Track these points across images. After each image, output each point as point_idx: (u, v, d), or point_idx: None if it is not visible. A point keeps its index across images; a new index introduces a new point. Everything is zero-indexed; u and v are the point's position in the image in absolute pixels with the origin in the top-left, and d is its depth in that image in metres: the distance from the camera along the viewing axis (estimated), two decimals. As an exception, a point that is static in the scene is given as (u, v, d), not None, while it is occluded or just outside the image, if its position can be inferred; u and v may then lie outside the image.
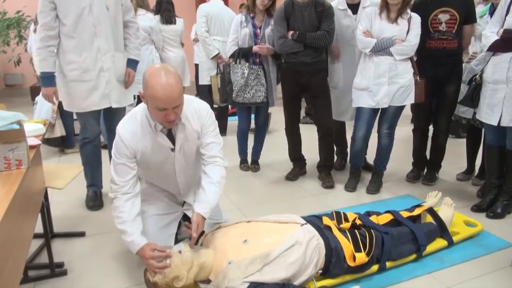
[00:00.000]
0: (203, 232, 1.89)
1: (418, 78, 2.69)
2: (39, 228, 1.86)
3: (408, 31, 2.60)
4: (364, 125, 2.78)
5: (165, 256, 1.64)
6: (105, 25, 2.36)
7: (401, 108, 2.75)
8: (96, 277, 1.94)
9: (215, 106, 4.09)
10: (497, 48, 2.36)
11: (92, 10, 2.30)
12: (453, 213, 2.25)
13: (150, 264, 1.63)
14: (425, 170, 3.12)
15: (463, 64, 2.96)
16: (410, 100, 2.70)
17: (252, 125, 3.39)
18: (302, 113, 3.93)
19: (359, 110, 2.79)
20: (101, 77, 2.41)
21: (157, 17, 4.05)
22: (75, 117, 3.99)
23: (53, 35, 2.30)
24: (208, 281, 1.70)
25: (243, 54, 2.98)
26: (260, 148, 3.38)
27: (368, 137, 2.84)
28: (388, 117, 2.76)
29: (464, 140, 3.16)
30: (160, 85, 1.55)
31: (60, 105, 3.63)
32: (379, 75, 2.65)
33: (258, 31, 2.99)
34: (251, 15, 3.00)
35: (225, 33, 3.92)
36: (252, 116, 3.34)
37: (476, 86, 2.51)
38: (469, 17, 2.71)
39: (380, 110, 2.77)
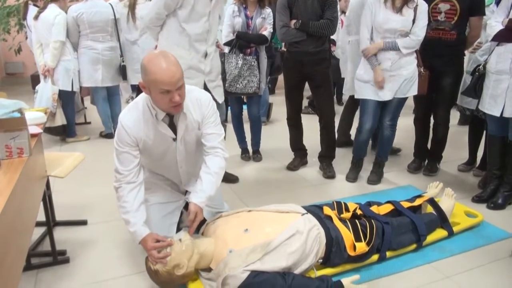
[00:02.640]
0: (204, 221, 1.90)
1: (422, 69, 2.66)
2: (41, 216, 1.87)
3: (414, 21, 2.54)
4: (370, 118, 2.76)
5: (167, 245, 1.65)
6: (214, 32, 2.47)
7: (404, 99, 2.72)
8: (98, 265, 1.95)
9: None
10: (501, 38, 2.33)
11: (210, 17, 2.38)
12: (453, 203, 2.25)
13: (151, 254, 1.64)
14: (426, 161, 3.12)
15: (468, 55, 2.93)
16: (413, 91, 2.67)
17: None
18: (304, 103, 3.91)
19: (364, 102, 2.77)
20: (199, 77, 2.45)
21: None
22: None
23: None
24: (209, 270, 1.71)
25: (239, 45, 2.97)
26: (259, 139, 3.38)
27: (374, 128, 2.83)
28: (390, 109, 2.74)
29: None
30: (161, 67, 1.57)
31: (60, 93, 3.62)
32: (382, 70, 2.62)
33: (250, 21, 2.98)
34: (244, 5, 2.98)
35: (222, 22, 3.87)
36: (244, 107, 3.34)
37: (479, 77, 2.49)
38: (474, 9, 2.63)
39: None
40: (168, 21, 2.35)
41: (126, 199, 1.71)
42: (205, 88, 2.45)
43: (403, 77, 2.61)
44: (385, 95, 2.65)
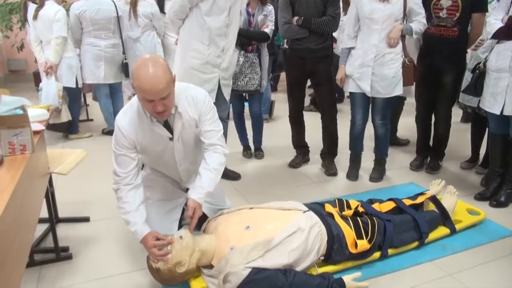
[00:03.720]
0: (206, 218, 1.90)
1: (406, 60, 2.66)
2: (44, 213, 1.88)
3: (404, 7, 2.52)
4: (360, 110, 2.78)
5: (167, 243, 1.65)
6: (234, 28, 2.51)
7: (390, 99, 2.71)
8: (101, 261, 1.96)
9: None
10: (501, 35, 2.31)
11: (230, 12, 2.42)
12: (456, 201, 2.25)
13: (152, 252, 1.64)
14: (429, 158, 3.11)
15: (470, 52, 2.91)
16: (398, 91, 2.67)
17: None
18: (307, 101, 3.91)
19: (351, 95, 2.81)
20: (214, 73, 2.50)
21: None
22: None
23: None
24: (210, 267, 1.71)
25: (240, 42, 2.96)
26: (260, 137, 3.38)
27: (366, 119, 2.84)
28: (378, 109, 2.74)
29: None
30: (145, 76, 1.53)
31: (68, 90, 3.62)
32: (363, 64, 2.63)
33: (252, 18, 2.98)
34: (246, 2, 2.98)
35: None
36: (246, 104, 3.34)
37: (479, 75, 2.48)
38: (477, 5, 2.61)
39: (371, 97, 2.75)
40: (191, 15, 2.40)
41: (125, 200, 1.71)
42: (219, 84, 2.52)
43: (385, 77, 2.61)
44: (366, 89, 2.66)
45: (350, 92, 2.80)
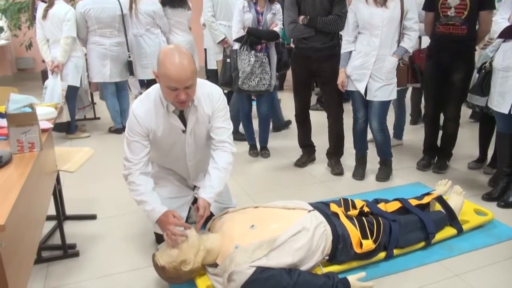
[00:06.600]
0: (211, 216, 1.91)
1: (401, 63, 2.66)
2: (51, 210, 1.90)
3: (402, 11, 2.52)
4: (361, 106, 2.79)
5: (184, 225, 1.68)
6: None
7: (387, 102, 2.71)
8: (107, 258, 1.98)
9: (225, 91, 4.07)
10: (507, 34, 2.29)
11: None
12: (462, 201, 2.23)
13: (170, 230, 1.64)
14: (436, 158, 3.09)
15: (479, 50, 2.89)
16: (393, 95, 2.68)
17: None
18: (313, 100, 3.90)
19: (351, 93, 2.82)
20: None
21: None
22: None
23: None
24: (215, 265, 1.72)
25: (250, 41, 2.96)
26: (267, 136, 3.38)
27: (367, 117, 2.83)
28: (375, 112, 2.72)
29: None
30: (172, 64, 1.58)
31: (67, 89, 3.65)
32: (362, 66, 2.63)
33: (261, 17, 2.97)
34: (253, 1, 2.98)
35: (231, 18, 3.87)
36: (254, 103, 3.34)
37: (485, 74, 2.46)
38: (484, 3, 2.59)
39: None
40: None
41: (138, 183, 1.74)
42: None
43: (382, 82, 2.61)
44: (362, 91, 2.68)
45: (349, 91, 2.80)
